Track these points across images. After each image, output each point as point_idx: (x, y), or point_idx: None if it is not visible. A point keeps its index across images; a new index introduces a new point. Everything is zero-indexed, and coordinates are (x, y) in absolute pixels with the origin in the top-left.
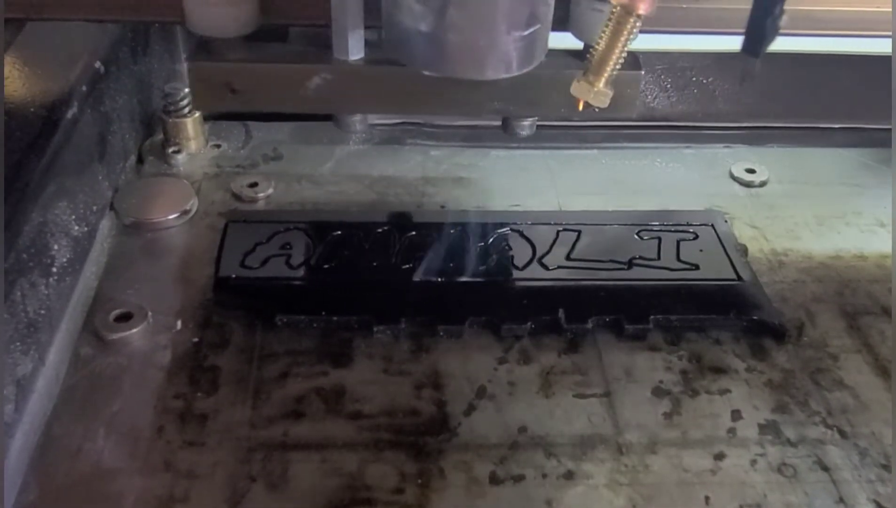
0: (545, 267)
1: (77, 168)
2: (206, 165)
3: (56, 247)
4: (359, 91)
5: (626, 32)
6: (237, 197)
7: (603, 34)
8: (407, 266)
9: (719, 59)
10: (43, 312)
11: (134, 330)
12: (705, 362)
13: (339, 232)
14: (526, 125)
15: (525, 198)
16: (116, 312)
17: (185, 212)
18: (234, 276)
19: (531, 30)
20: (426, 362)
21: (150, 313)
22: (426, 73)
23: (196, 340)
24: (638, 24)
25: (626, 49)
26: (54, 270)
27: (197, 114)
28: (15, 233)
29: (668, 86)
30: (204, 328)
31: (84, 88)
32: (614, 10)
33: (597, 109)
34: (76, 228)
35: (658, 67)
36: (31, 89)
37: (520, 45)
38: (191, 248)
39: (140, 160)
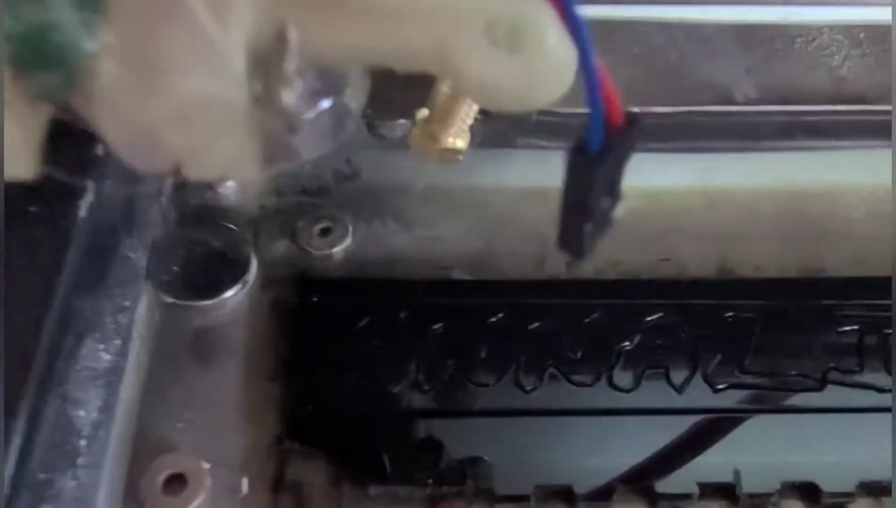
0: (712, 386)
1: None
2: (261, 191)
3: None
4: None
5: None
6: (305, 251)
7: None
8: (532, 389)
9: None
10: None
11: (191, 506)
12: None
13: (442, 324)
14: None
15: (675, 243)
16: (166, 473)
17: (243, 284)
18: (310, 408)
19: None
20: None
21: (207, 473)
22: None
23: None
24: None
25: None
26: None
27: None
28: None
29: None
30: (276, 488)
31: None
32: None
33: None
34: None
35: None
36: None
37: None
38: (251, 344)
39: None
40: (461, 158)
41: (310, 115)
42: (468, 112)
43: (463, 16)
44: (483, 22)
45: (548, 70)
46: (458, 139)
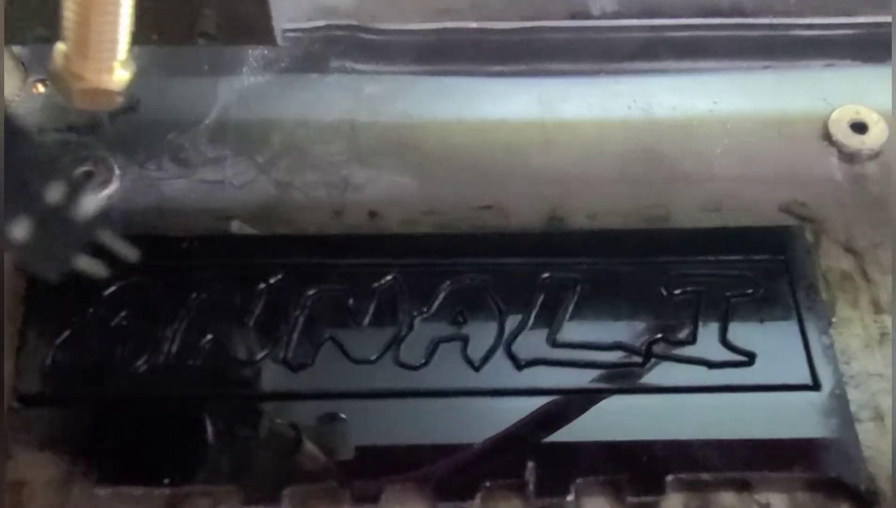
0: (515, 362)
1: None
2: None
3: None
4: None
5: None
6: None
7: None
8: (304, 364)
9: None
10: None
11: None
12: None
13: (206, 290)
14: None
15: (502, 187)
16: None
17: None
18: (39, 391)
19: None
20: None
21: None
22: None
23: None
24: None
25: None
26: None
27: None
28: None
29: None
30: None
31: None
32: None
33: None
34: None
35: None
36: None
37: None
38: None
39: None
40: (120, 98)
41: None
42: (113, 34)
43: None
44: None
45: None
46: (107, 74)
